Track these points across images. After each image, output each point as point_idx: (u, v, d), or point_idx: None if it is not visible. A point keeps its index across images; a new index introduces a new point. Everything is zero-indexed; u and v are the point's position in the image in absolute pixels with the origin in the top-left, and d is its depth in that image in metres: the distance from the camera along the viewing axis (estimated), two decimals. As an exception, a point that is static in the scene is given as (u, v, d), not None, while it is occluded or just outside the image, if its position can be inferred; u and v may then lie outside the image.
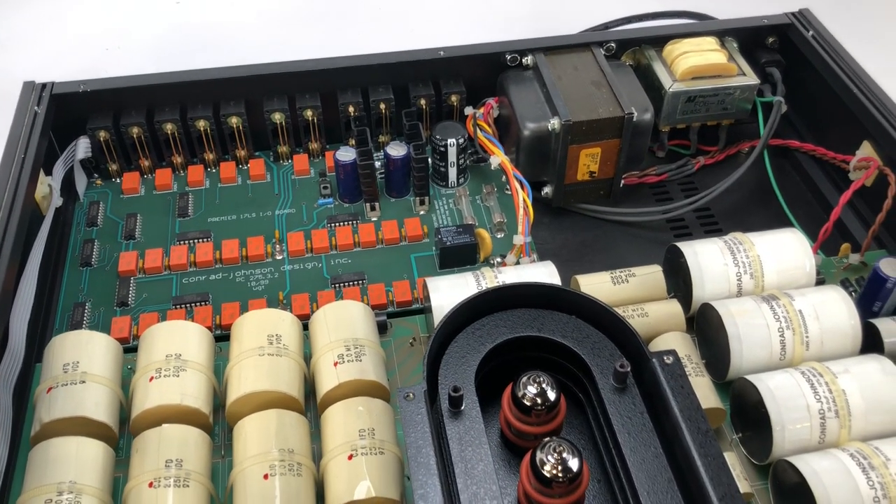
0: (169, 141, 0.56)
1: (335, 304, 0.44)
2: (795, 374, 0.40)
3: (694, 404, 0.36)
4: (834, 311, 0.43)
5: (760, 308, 0.43)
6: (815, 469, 0.36)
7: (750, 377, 0.40)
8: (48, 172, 0.52)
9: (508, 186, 0.54)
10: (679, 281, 0.47)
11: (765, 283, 0.45)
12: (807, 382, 0.39)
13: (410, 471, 0.34)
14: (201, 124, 0.55)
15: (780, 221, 0.54)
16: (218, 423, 0.43)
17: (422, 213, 0.54)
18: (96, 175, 0.56)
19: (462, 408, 0.36)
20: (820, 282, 0.47)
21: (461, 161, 0.55)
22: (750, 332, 0.42)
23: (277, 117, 0.56)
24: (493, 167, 0.54)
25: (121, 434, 0.42)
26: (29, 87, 0.53)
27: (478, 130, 0.55)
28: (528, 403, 0.37)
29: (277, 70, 0.55)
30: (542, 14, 0.78)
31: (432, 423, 0.36)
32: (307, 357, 0.44)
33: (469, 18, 0.74)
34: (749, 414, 0.40)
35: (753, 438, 0.40)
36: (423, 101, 0.57)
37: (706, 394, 0.41)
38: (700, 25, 0.61)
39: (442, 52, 0.56)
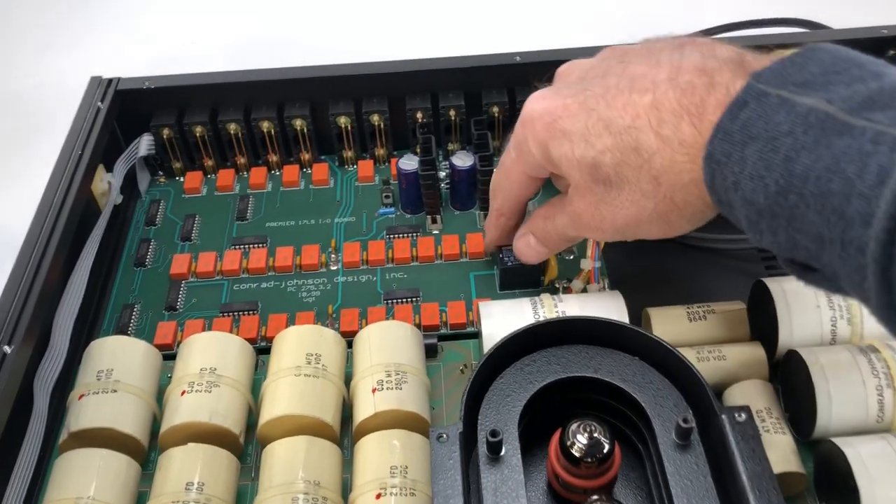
0: (232, 141, 0.54)
1: (380, 324, 0.42)
2: (895, 441, 0.34)
3: (766, 472, 0.31)
4: (946, 371, 0.37)
5: (857, 360, 0.37)
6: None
7: (839, 441, 0.35)
8: (110, 169, 0.52)
9: (582, 204, 0.50)
10: (764, 321, 0.42)
11: (864, 332, 0.40)
12: (907, 454, 0.34)
13: (434, 523, 0.30)
14: (265, 125, 0.53)
15: (890, 258, 0.48)
16: (251, 442, 0.40)
17: (487, 228, 0.51)
18: (160, 173, 0.56)
19: (501, 454, 0.33)
20: (932, 332, 0.41)
21: (532, 175, 0.51)
22: (842, 387, 0.36)
23: (343, 121, 0.53)
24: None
25: (152, 447, 0.40)
26: (95, 82, 0.52)
27: (552, 142, 0.51)
28: (577, 454, 0.33)
29: (343, 72, 0.53)
30: (636, 19, 0.74)
31: (467, 469, 0.33)
32: (349, 378, 0.41)
33: (548, 22, 0.70)
34: (836, 484, 0.35)
35: (840, 512, 0.35)
36: (495, 109, 0.53)
37: (785, 455, 0.36)
38: (811, 35, 0.55)
39: (518, 58, 0.53)
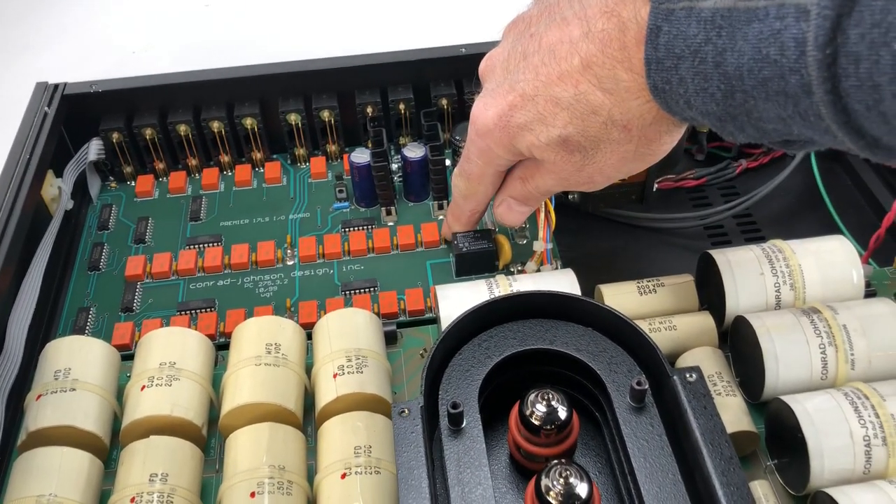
0: (183, 143, 0.54)
1: (338, 312, 0.42)
2: (838, 395, 0.36)
3: (717, 427, 0.32)
4: (884, 327, 0.38)
5: (800, 322, 0.39)
6: (859, 504, 0.32)
7: (786, 398, 0.36)
8: (60, 174, 0.51)
9: (532, 190, 0.51)
10: (712, 292, 0.43)
11: (806, 296, 0.41)
12: (850, 405, 0.35)
13: (399, 494, 0.31)
14: (215, 126, 0.53)
15: (828, 228, 0.50)
16: (214, 435, 0.40)
17: (440, 217, 0.52)
18: (111, 178, 0.55)
19: (462, 426, 0.34)
20: (871, 294, 0.43)
21: (482, 163, 0.52)
22: (787, 348, 0.38)
23: (293, 118, 0.54)
24: (516, 170, 0.51)
25: (114, 445, 0.40)
26: (41, 87, 0.52)
27: (500, 131, 0.52)
28: (536, 423, 0.34)
29: (291, 69, 0.53)
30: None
31: (430, 443, 0.33)
32: (310, 368, 0.41)
33: (491, 13, 0.71)
34: (785, 439, 0.36)
35: (790, 466, 0.36)
36: (444, 102, 0.54)
37: (737, 416, 0.38)
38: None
39: (464, 50, 0.54)
